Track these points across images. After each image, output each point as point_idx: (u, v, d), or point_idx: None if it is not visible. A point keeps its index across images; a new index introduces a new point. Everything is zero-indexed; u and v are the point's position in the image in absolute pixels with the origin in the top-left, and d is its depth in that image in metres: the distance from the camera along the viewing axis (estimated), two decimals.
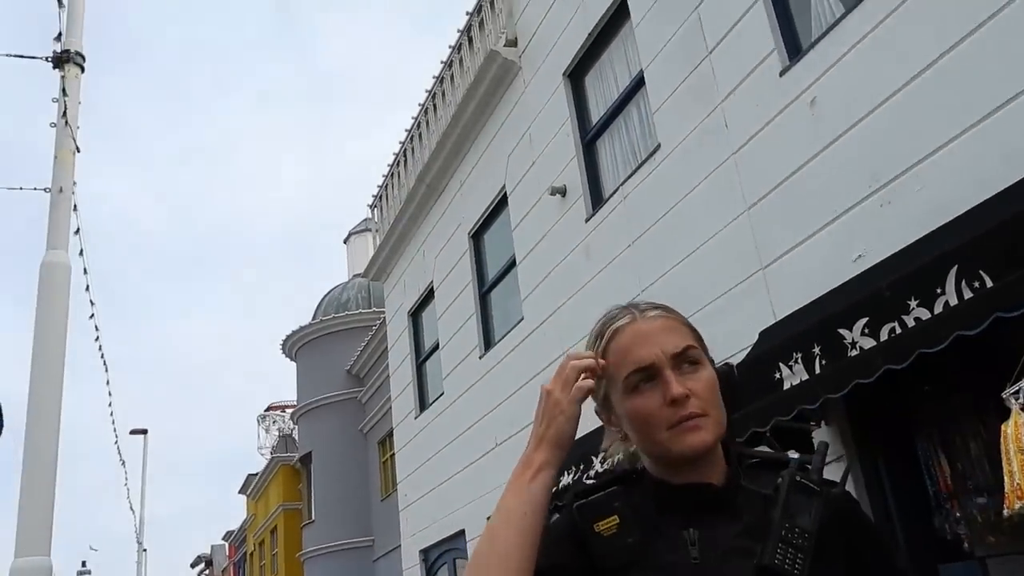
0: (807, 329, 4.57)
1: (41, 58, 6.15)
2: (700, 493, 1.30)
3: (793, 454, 1.34)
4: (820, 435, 5.00)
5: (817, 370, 4.33)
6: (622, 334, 1.34)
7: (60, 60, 6.08)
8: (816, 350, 4.35)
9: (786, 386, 4.52)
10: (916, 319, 3.78)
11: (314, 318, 22.86)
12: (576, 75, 8.51)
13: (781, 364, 4.58)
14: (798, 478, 1.26)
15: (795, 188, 5.47)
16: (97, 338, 8.95)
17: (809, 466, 1.29)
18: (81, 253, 7.23)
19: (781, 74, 5.61)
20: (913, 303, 3.80)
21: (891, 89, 4.78)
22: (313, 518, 21.76)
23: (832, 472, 4.44)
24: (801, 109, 5.43)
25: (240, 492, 34.78)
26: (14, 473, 5.26)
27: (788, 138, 5.54)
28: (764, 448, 1.42)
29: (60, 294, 5.68)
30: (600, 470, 5.56)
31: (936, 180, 4.48)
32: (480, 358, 10.38)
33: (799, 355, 4.45)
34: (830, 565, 1.24)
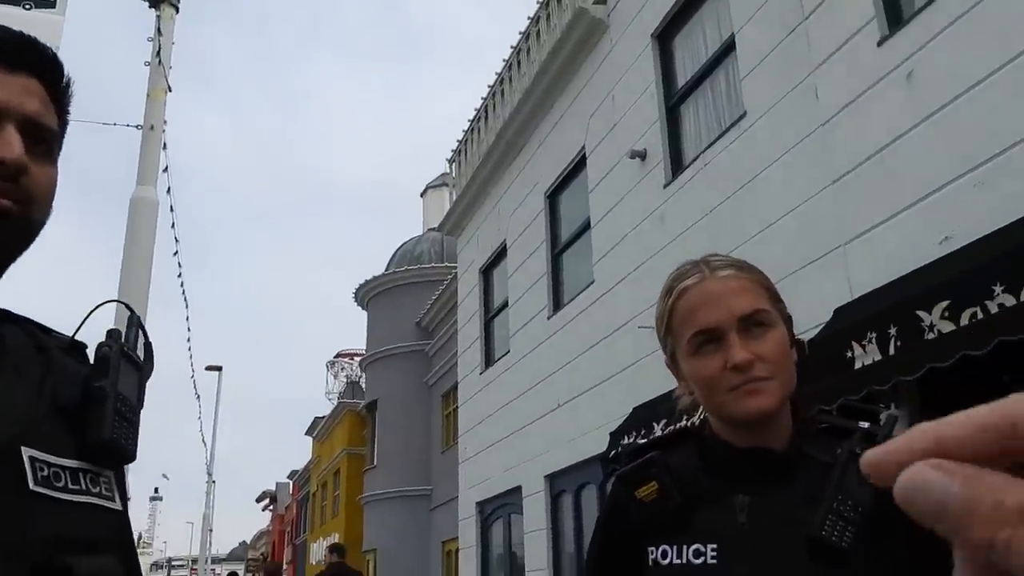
0: (884, 309, 4.46)
1: None
2: (757, 458, 1.26)
3: (864, 424, 1.25)
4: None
5: (891, 351, 4.23)
6: (689, 293, 1.29)
7: (157, 0, 6.22)
8: (892, 331, 4.25)
9: (858, 365, 4.43)
10: (1000, 305, 3.65)
11: (387, 269, 23.12)
12: (664, 37, 8.36)
13: (854, 343, 4.48)
14: (858, 450, 1.19)
15: (884, 164, 5.31)
16: (180, 275, 9.26)
17: (876, 437, 1.21)
18: (168, 191, 7.45)
19: (879, 44, 5.41)
20: (998, 289, 3.67)
21: (992, 66, 4.58)
22: (375, 463, 22.23)
23: None
24: (897, 82, 5.24)
25: (307, 434, 35.70)
26: None
27: (881, 111, 5.36)
28: (835, 415, 1.37)
29: (147, 229, 5.87)
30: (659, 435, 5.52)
31: None
32: (548, 318, 10.40)
33: (874, 335, 4.35)
34: (890, 544, 1.18)
